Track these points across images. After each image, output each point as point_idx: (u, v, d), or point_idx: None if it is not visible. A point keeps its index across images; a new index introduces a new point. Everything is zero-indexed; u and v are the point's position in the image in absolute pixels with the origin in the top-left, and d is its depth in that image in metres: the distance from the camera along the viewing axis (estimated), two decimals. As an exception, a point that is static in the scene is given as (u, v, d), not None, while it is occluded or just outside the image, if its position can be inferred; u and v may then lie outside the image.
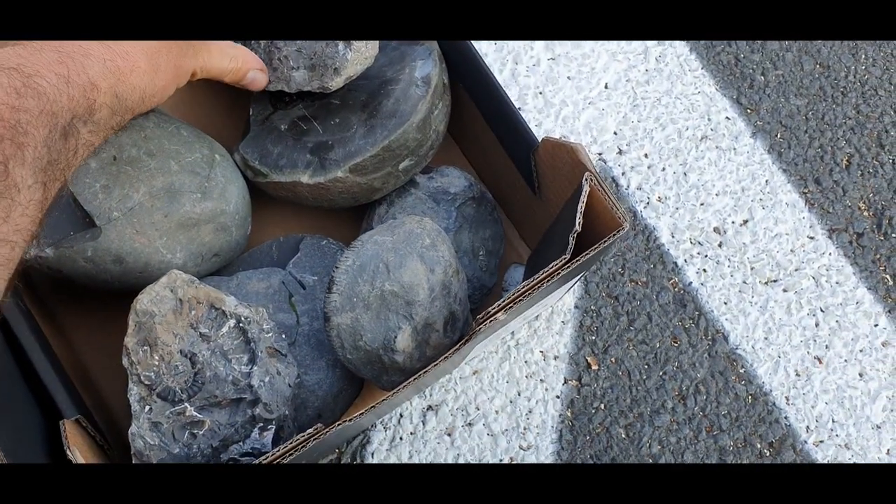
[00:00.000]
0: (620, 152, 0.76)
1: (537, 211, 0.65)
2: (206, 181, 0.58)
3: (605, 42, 0.79)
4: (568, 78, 0.77)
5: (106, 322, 0.61)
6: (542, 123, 0.76)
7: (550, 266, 0.52)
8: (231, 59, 0.56)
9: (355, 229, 0.67)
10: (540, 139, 0.60)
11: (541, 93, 0.77)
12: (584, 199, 0.53)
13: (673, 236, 0.74)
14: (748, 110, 0.79)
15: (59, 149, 0.40)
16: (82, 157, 0.44)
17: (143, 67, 0.46)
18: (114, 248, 0.54)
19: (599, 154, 0.75)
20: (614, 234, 0.53)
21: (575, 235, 0.52)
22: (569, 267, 0.52)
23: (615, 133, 0.76)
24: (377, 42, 0.59)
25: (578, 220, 0.52)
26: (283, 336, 0.54)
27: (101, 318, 0.61)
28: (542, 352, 0.69)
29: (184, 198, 0.57)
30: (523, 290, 0.51)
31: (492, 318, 0.51)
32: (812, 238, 0.75)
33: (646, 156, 0.76)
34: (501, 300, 0.51)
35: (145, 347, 0.49)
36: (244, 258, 0.62)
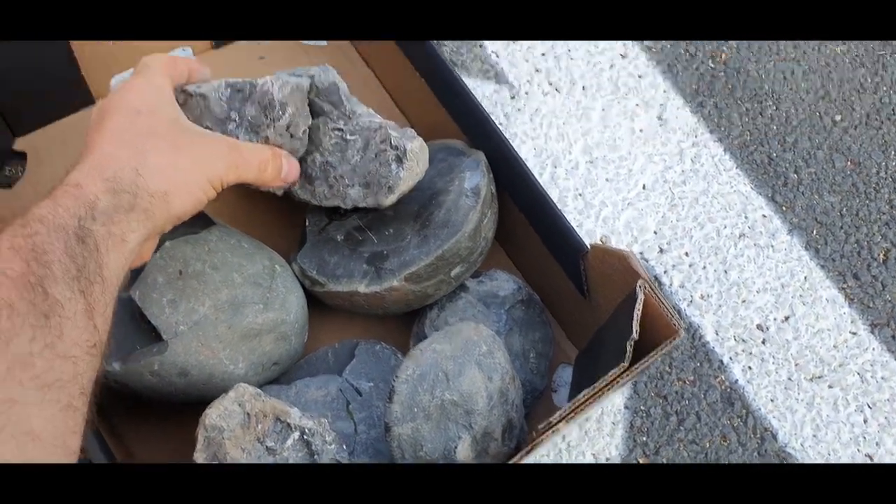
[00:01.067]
0: (661, 251, 0.77)
1: (586, 313, 0.66)
2: (268, 292, 0.60)
3: (641, 145, 0.82)
4: (606, 180, 0.80)
5: (166, 433, 0.61)
6: (582, 224, 0.77)
7: (610, 374, 0.53)
8: (259, 163, 0.55)
9: (406, 333, 0.68)
10: (583, 239, 0.61)
11: (580, 194, 0.79)
12: (639, 306, 0.54)
13: (717, 334, 0.74)
14: (783, 208, 0.81)
15: (81, 253, 0.42)
16: (112, 249, 0.44)
17: (124, 156, 0.47)
18: (179, 361, 0.56)
19: (641, 253, 0.77)
20: (670, 342, 0.54)
21: (632, 343, 0.53)
22: (628, 375, 0.53)
23: (655, 232, 0.78)
24: (427, 158, 0.62)
25: (635, 328, 0.53)
26: (344, 447, 0.54)
27: (161, 430, 0.62)
28: (593, 454, 0.69)
29: (247, 309, 0.58)
30: (584, 399, 0.52)
31: (554, 429, 0.51)
32: (854, 333, 0.76)
33: (686, 254, 0.77)
34: (563, 410, 0.51)
35: (215, 463, 0.50)
36: (301, 365, 0.63)
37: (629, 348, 0.53)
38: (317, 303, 0.65)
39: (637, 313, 0.54)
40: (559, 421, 0.51)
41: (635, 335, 0.53)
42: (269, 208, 0.71)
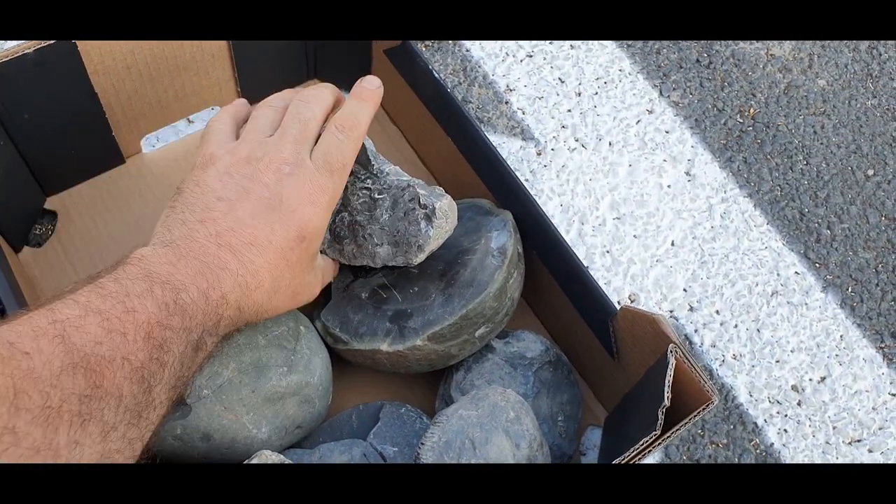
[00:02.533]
0: (691, 309, 0.76)
1: (615, 374, 0.64)
2: (293, 354, 0.59)
3: (670, 201, 0.81)
4: (634, 236, 0.79)
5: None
6: (610, 281, 0.76)
7: (641, 443, 0.51)
8: (325, 279, 0.59)
9: (431, 393, 0.67)
10: (611, 300, 0.60)
11: (608, 251, 0.78)
12: (671, 372, 0.53)
13: (751, 395, 0.72)
14: (817, 264, 0.79)
15: (189, 364, 0.42)
16: (200, 366, 0.45)
17: (266, 286, 0.48)
18: (202, 425, 0.55)
19: (671, 311, 0.76)
20: (703, 408, 0.52)
21: (664, 410, 0.52)
22: (660, 442, 0.51)
23: (685, 290, 0.77)
24: (455, 215, 0.61)
25: (667, 394, 0.52)
26: (368, 514, 0.53)
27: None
28: (624, 521, 0.66)
29: (271, 372, 0.58)
30: (625, 458, 0.51)
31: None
32: (894, 395, 0.73)
33: (717, 312, 0.76)
34: (617, 461, 0.50)
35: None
36: (324, 427, 0.62)
37: (661, 416, 0.52)
38: (340, 360, 0.64)
39: (668, 380, 0.53)
40: (589, 491, 0.50)
41: (667, 402, 0.52)
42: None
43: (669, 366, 0.53)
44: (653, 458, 0.70)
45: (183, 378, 0.42)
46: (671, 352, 0.54)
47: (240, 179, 0.49)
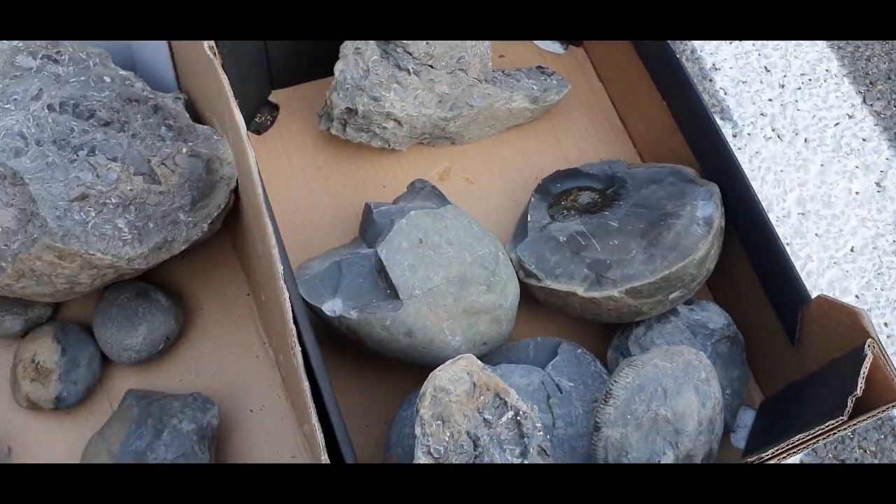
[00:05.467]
0: (861, 317, 0.76)
1: (786, 360, 0.66)
2: (492, 276, 0.63)
3: (856, 207, 0.81)
4: (816, 234, 0.79)
5: (374, 382, 0.66)
6: (784, 273, 0.77)
7: (827, 425, 0.53)
8: None
9: (597, 342, 0.70)
10: (807, 289, 0.62)
11: (788, 244, 0.79)
12: (867, 365, 0.54)
13: (907, 411, 0.73)
14: None
15: None
16: None
17: None
18: (409, 321, 0.59)
19: (839, 314, 0.76)
20: (893, 405, 0.54)
21: (854, 399, 0.53)
22: (846, 428, 0.53)
23: (857, 297, 0.77)
24: None
25: (860, 385, 0.54)
26: (548, 436, 0.57)
27: (372, 378, 0.67)
28: (764, 500, 0.68)
29: (472, 287, 0.61)
30: (798, 442, 0.53)
31: (764, 463, 0.52)
32: None
33: (885, 325, 0.76)
34: (778, 448, 0.52)
35: (439, 422, 0.53)
36: (502, 351, 0.66)
37: (850, 403, 0.53)
38: (522, 295, 0.68)
39: (864, 371, 0.54)
40: (771, 457, 0.52)
41: (859, 392, 0.54)
42: (492, 193, 0.75)
43: (867, 360, 0.54)
44: (800, 455, 0.71)
45: None
46: (869, 346, 0.55)
47: None
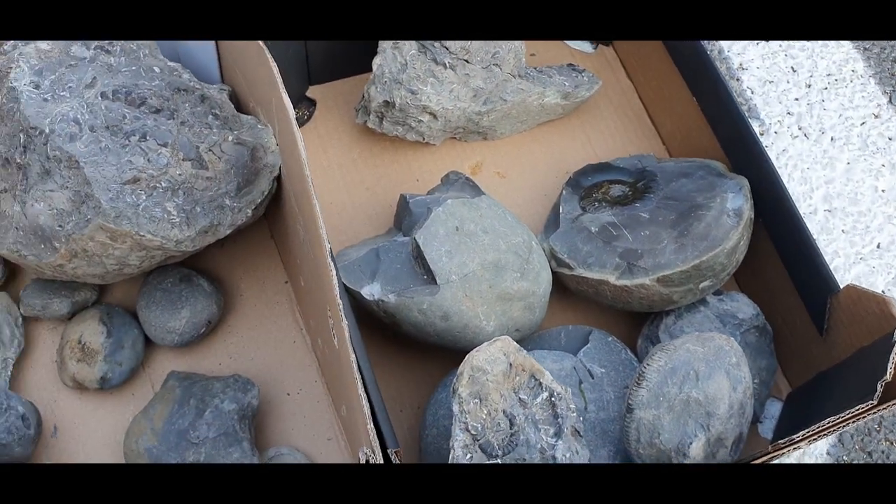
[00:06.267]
0: (888, 312, 0.77)
1: (814, 351, 0.67)
2: (526, 264, 0.64)
3: (883, 205, 0.82)
4: (842, 231, 0.80)
5: (411, 364, 0.68)
6: (811, 269, 0.78)
7: (857, 408, 0.54)
8: None
9: (627, 331, 0.71)
10: (836, 278, 0.63)
11: (815, 240, 0.79)
12: (896, 351, 0.55)
13: (934, 405, 0.73)
14: None
15: None
16: None
17: None
18: (445, 305, 0.61)
19: (866, 309, 0.77)
20: (922, 391, 0.55)
21: (884, 384, 0.54)
22: (875, 412, 0.54)
23: (883, 292, 0.78)
24: None
25: (890, 369, 0.55)
26: (581, 418, 0.58)
27: (409, 361, 0.68)
28: (792, 490, 0.69)
29: (507, 274, 0.63)
30: (829, 425, 0.54)
31: (795, 446, 0.53)
32: None
33: (912, 320, 0.77)
34: (808, 430, 0.53)
35: (476, 400, 0.54)
36: (534, 338, 0.68)
37: (880, 388, 0.54)
38: (555, 285, 0.69)
39: (894, 356, 0.55)
40: (802, 440, 0.53)
41: (889, 377, 0.55)
42: (524, 188, 0.76)
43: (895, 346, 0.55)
44: (825, 443, 0.72)
45: None
46: (899, 333, 0.56)
47: None
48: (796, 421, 0.67)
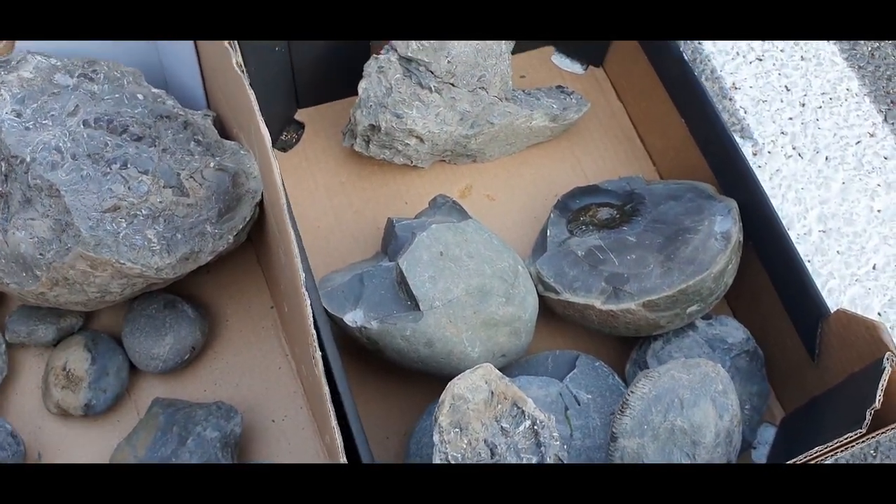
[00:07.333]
0: (884, 334, 0.76)
1: (806, 376, 0.66)
2: (511, 288, 0.64)
3: (878, 225, 0.81)
4: (837, 252, 0.79)
5: (392, 393, 0.67)
6: (805, 291, 0.77)
7: (845, 437, 0.53)
8: None
9: (615, 356, 0.70)
10: (826, 303, 0.62)
11: (809, 261, 0.79)
12: (885, 379, 0.54)
13: (932, 430, 0.72)
14: None
15: None
16: None
17: None
18: (429, 332, 0.60)
19: (862, 332, 0.76)
20: (912, 419, 0.54)
21: (872, 412, 0.53)
22: (864, 440, 0.53)
23: (879, 314, 0.77)
24: None
25: (879, 397, 0.54)
26: (565, 446, 0.57)
27: (389, 390, 0.67)
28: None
29: (492, 300, 0.62)
30: (816, 454, 0.53)
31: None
32: None
33: (909, 343, 0.76)
34: (797, 460, 0.52)
35: (457, 429, 0.54)
36: (521, 363, 0.67)
37: (869, 416, 0.53)
38: (541, 310, 0.68)
39: (883, 384, 0.54)
40: (788, 470, 0.52)
41: (877, 404, 0.53)
42: (513, 212, 0.76)
43: (885, 372, 0.54)
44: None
45: None
46: (888, 359, 0.55)
47: None
48: (790, 447, 0.66)
